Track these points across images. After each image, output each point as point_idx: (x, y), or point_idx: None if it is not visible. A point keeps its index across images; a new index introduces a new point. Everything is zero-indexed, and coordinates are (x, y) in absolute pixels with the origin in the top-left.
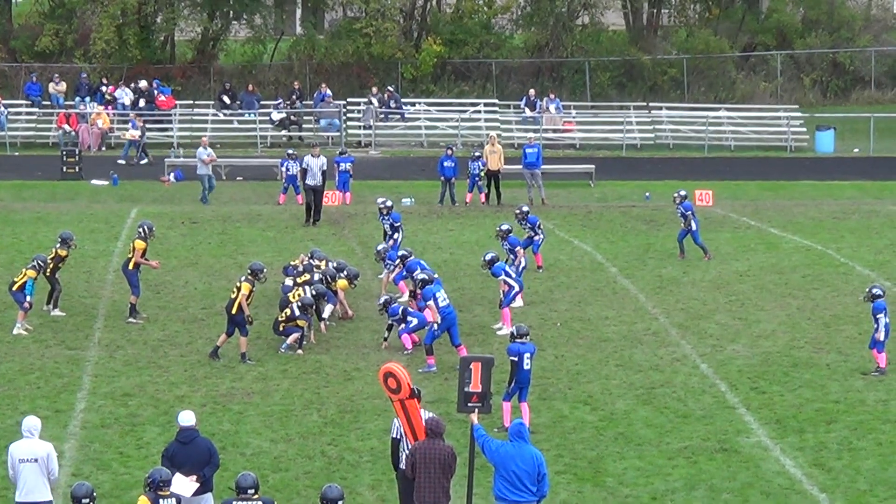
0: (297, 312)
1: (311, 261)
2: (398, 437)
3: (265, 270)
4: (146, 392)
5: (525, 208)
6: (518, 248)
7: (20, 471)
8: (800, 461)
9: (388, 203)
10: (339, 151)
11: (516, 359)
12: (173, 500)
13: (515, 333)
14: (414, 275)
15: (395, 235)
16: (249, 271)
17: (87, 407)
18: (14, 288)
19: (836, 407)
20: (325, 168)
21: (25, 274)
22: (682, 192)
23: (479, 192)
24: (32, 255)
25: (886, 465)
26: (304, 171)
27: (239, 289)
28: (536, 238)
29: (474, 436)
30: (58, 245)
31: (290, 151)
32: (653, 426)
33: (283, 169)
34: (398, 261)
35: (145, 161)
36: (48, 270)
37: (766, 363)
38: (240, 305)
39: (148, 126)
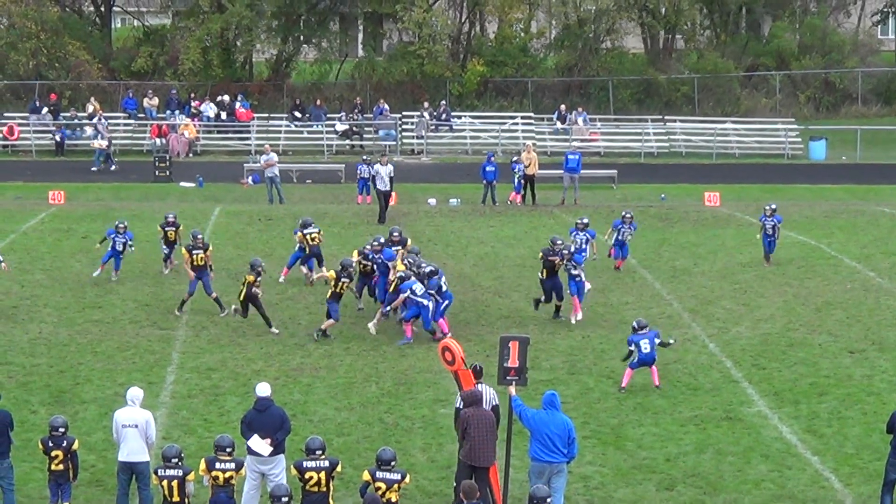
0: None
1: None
2: (459, 406)
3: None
4: (227, 367)
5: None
6: (593, 240)
7: (123, 434)
8: (795, 428)
9: (381, 240)
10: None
11: (633, 347)
12: (232, 464)
13: (636, 326)
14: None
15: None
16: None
17: (175, 380)
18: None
19: (826, 381)
20: (392, 175)
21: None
22: (773, 206)
23: (517, 193)
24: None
25: (870, 431)
26: (374, 178)
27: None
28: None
29: (512, 405)
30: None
31: (365, 157)
32: (667, 397)
33: (358, 172)
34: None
35: (114, 168)
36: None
37: (765, 343)
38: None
39: (229, 136)
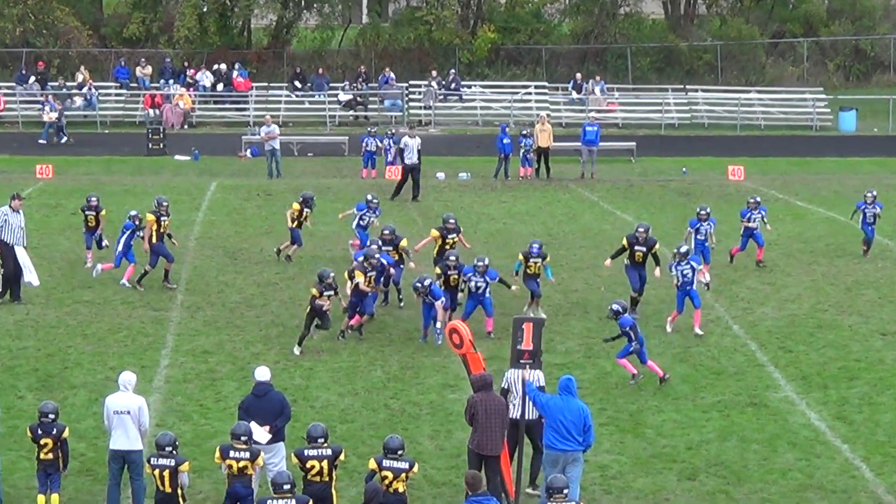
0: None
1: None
2: (506, 387)
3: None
4: (224, 350)
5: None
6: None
7: (114, 421)
8: (824, 414)
9: (486, 260)
10: (368, 130)
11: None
12: (247, 453)
13: (620, 310)
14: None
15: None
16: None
17: (170, 363)
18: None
19: (857, 365)
20: (420, 147)
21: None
22: (874, 192)
23: (528, 167)
24: (123, 224)
25: None
26: (401, 151)
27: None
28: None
29: (526, 390)
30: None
31: (370, 129)
32: (689, 382)
33: (364, 144)
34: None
35: (65, 140)
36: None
37: (792, 325)
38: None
39: (226, 107)
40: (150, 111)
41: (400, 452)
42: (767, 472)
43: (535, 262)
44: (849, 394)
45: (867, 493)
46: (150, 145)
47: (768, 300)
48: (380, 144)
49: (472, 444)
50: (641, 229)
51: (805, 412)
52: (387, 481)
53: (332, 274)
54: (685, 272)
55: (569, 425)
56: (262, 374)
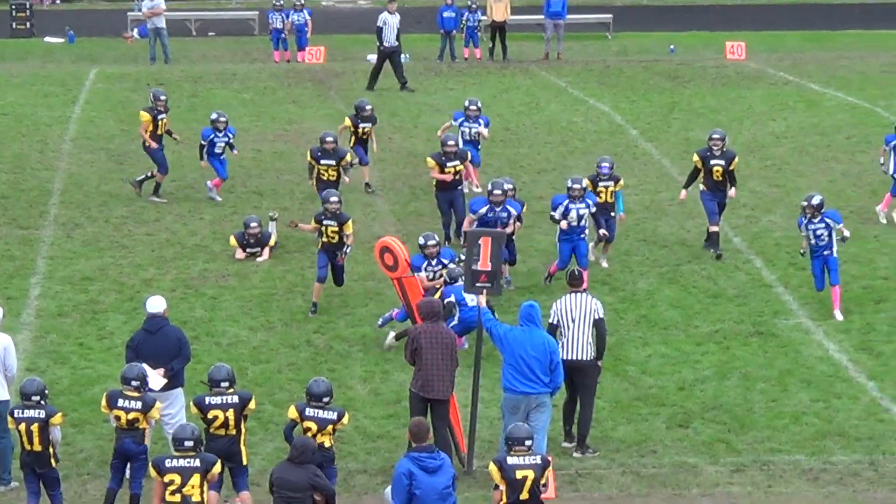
0: None
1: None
2: (556, 322)
3: None
4: (109, 276)
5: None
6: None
7: None
8: (845, 345)
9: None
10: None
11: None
12: (138, 402)
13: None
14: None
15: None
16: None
17: (42, 293)
18: None
19: (885, 284)
20: (399, 26)
21: None
22: None
23: (474, 47)
24: None
25: None
26: (380, 30)
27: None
28: None
29: (481, 319)
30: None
31: (277, 2)
32: (679, 308)
33: (270, 21)
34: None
35: None
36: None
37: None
38: None
39: None
40: None
41: (326, 399)
42: (776, 417)
43: (607, 187)
44: (875, 319)
45: None
46: (15, 25)
47: (776, 206)
48: (286, 21)
49: (415, 385)
50: (717, 136)
51: (822, 343)
52: (310, 433)
53: (256, 222)
54: (819, 231)
55: (532, 363)
56: (155, 304)
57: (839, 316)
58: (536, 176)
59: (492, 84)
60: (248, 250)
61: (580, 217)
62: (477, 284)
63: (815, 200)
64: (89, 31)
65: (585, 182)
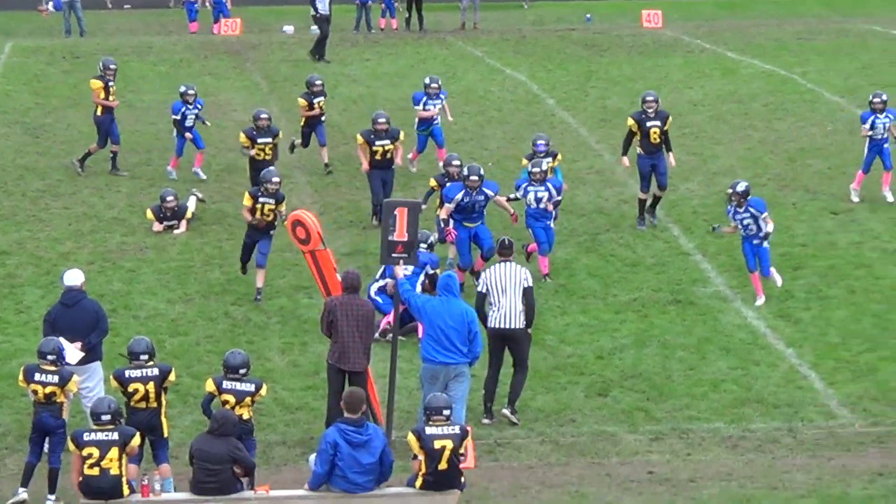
0: None
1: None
2: (484, 291)
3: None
4: (25, 249)
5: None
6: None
7: None
8: (763, 313)
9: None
10: None
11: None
12: (55, 377)
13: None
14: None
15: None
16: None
17: None
18: None
19: (803, 251)
20: None
21: None
22: (884, 95)
23: (391, 17)
24: None
25: (860, 315)
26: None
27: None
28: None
29: (398, 289)
30: None
31: None
32: (597, 276)
33: None
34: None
35: None
36: None
37: (724, 203)
38: None
39: None
40: None
41: (243, 371)
42: (695, 385)
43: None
44: (793, 286)
45: (817, 406)
46: None
47: (694, 174)
48: None
49: (332, 357)
50: (650, 98)
51: (740, 310)
52: (228, 406)
53: (173, 195)
54: (746, 221)
55: (450, 333)
56: (73, 278)
57: (761, 301)
58: (454, 146)
59: (408, 54)
60: (165, 223)
61: (538, 199)
62: (393, 255)
63: (740, 187)
64: (3, 4)
65: (546, 165)
